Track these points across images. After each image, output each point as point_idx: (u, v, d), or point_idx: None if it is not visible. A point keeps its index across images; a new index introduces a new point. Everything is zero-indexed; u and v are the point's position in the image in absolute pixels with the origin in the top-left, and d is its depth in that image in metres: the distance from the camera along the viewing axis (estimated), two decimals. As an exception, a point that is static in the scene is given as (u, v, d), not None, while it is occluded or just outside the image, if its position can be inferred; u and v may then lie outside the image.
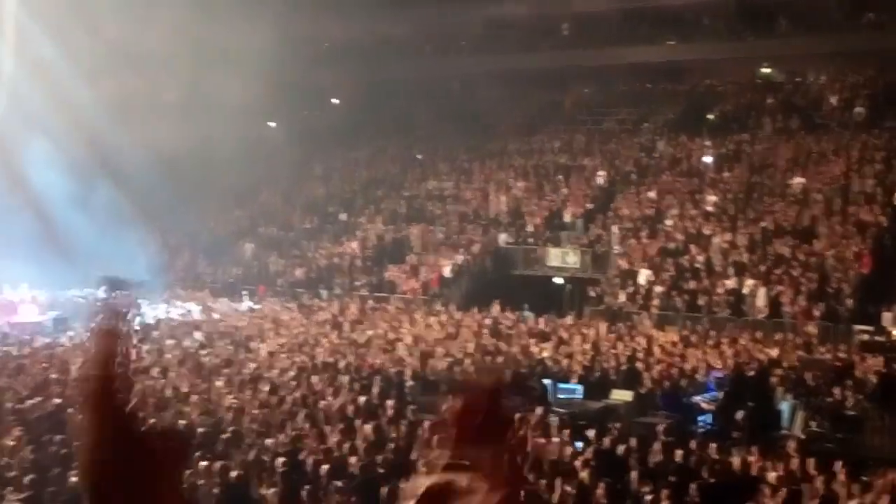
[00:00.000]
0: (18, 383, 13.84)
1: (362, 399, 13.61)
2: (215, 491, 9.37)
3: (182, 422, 11.82)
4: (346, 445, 11.23)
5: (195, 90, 31.39)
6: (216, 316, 23.39)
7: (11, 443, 10.57)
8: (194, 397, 13.37)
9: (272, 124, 36.27)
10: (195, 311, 24.36)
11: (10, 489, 9.00)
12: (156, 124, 29.19)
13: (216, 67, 31.19)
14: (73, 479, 9.41)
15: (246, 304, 25.97)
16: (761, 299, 21.59)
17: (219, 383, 14.32)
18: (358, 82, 35.98)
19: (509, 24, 35.71)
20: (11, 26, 31.60)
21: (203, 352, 17.65)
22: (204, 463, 9.89)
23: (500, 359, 17.05)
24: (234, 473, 9.73)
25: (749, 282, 22.18)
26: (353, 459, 10.69)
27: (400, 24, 35.55)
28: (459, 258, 27.39)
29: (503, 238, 28.21)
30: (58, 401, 12.51)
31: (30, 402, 12.57)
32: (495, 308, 22.43)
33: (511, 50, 34.68)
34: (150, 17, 30.35)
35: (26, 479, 9.32)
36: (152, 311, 24.80)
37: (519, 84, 34.73)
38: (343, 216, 32.21)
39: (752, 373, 16.00)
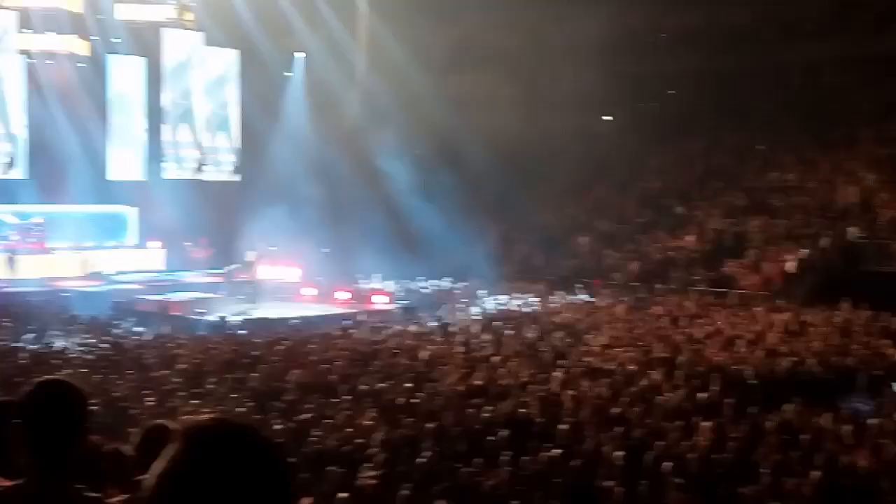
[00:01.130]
0: (374, 367, 14.79)
1: (701, 396, 13.31)
2: (556, 480, 9.53)
3: (521, 411, 12.12)
4: (685, 443, 11.03)
5: (534, 84, 32.07)
6: (551, 308, 23.79)
7: (368, 423, 11.32)
8: (532, 387, 13.66)
9: (608, 118, 36.26)
10: (532, 302, 24.92)
11: (369, 465, 9.63)
12: (496, 119, 30.09)
13: (554, 61, 31.68)
14: (420, 459, 10.00)
15: (581, 296, 26.18)
16: None
17: (556, 374, 14.52)
18: (695, 72, 35.14)
19: (857, 5, 33.42)
20: (364, 29, 33.85)
21: (540, 343, 17.97)
22: (544, 453, 10.10)
23: (849, 360, 16.06)
24: (574, 463, 9.86)
25: None
26: (691, 456, 10.48)
27: (740, 10, 34.27)
28: (804, 253, 26.09)
29: (852, 232, 26.54)
30: (408, 385, 13.25)
31: (381, 385, 13.40)
32: (844, 306, 21.15)
33: (861, 33, 32.45)
34: (491, 15, 31.33)
35: (380, 457, 9.95)
36: (492, 301, 25.63)
37: (869, 69, 32.43)
38: (679, 209, 31.64)
39: None
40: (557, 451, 10.23)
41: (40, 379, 2.89)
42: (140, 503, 1.48)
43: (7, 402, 3.17)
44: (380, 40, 32.80)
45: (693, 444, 10.95)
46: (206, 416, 1.51)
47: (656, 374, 14.82)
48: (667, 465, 9.96)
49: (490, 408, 12.07)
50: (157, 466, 1.47)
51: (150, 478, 1.47)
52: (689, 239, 29.11)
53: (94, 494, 2.82)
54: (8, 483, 2.96)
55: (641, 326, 20.03)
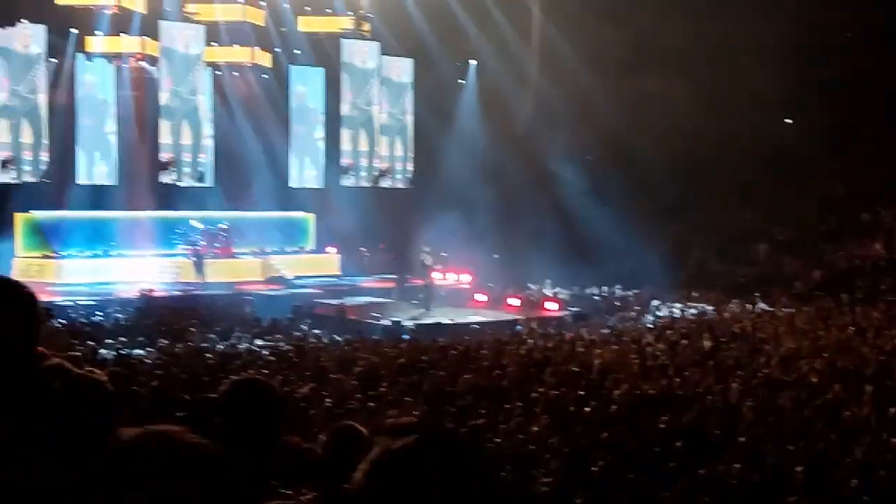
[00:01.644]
0: (546, 374, 14.75)
1: (892, 411, 12.65)
2: (735, 495, 9.27)
3: (697, 422, 11.83)
4: (873, 460, 10.52)
5: (711, 85, 31.30)
6: (728, 316, 23.15)
7: (541, 430, 11.29)
8: (709, 398, 13.33)
9: (789, 120, 35.01)
10: (707, 310, 24.33)
11: (541, 471, 9.62)
12: (671, 121, 29.56)
13: (733, 62, 30.87)
14: (596, 469, 9.90)
15: (759, 305, 25.37)
16: None
17: (734, 385, 14.12)
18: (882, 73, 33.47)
19: None
20: (537, 33, 33.88)
21: (717, 353, 17.52)
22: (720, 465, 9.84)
23: None
24: (754, 477, 9.57)
25: None
26: (881, 474, 9.98)
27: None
28: None
29: None
30: (581, 393, 13.16)
31: (553, 392, 13.35)
32: None
33: None
34: (668, 15, 30.73)
35: (554, 464, 9.91)
36: (666, 308, 25.17)
37: None
38: (865, 215, 30.23)
39: None
40: (736, 465, 9.95)
41: (238, 378, 3.00)
42: (345, 501, 1.52)
43: (205, 399, 3.32)
44: (552, 43, 32.73)
45: (881, 462, 10.44)
46: (409, 419, 1.55)
47: (840, 388, 14.20)
48: (853, 482, 9.54)
49: (665, 418, 11.85)
50: (365, 466, 1.51)
51: (358, 477, 1.51)
52: (877, 246, 27.78)
53: (287, 491, 2.91)
54: None
55: (824, 337, 19.24)
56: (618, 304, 26.79)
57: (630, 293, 27.69)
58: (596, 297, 27.72)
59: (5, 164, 28.28)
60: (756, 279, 28.23)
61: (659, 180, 31.55)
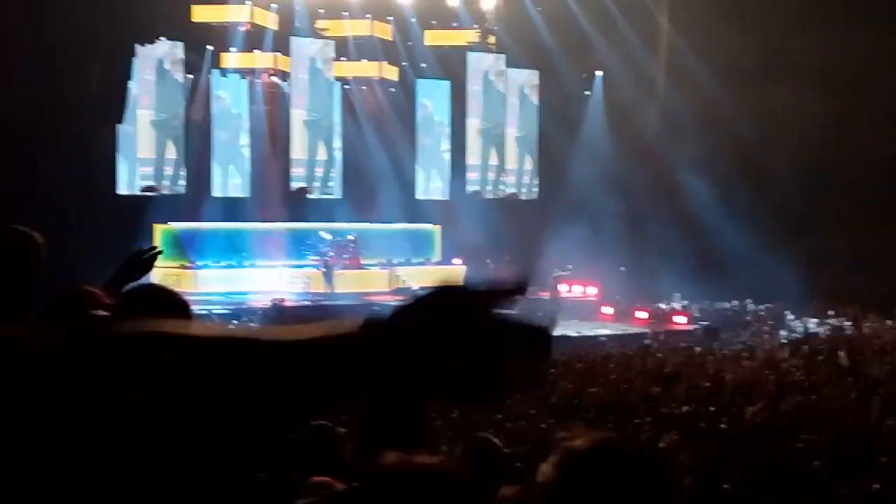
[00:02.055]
0: (676, 389, 14.48)
1: None
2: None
3: (836, 441, 11.42)
4: None
5: (846, 98, 30.32)
6: (867, 332, 22.35)
7: (663, 445, 11.07)
8: (847, 416, 12.87)
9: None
10: (844, 326, 23.53)
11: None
12: (803, 133, 28.73)
13: (870, 74, 29.84)
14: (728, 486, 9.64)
15: (901, 321, 24.41)
16: None
17: (875, 403, 13.58)
18: None
19: None
20: (664, 42, 33.41)
21: (855, 370, 16.91)
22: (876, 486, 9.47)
23: None
24: (894, 500, 9.16)
25: None
26: None
27: None
28: None
29: None
30: (711, 409, 12.86)
31: (685, 407, 13.08)
32: None
33: None
34: (801, 25, 29.91)
35: (685, 482, 9.70)
36: (800, 323, 24.48)
37: None
38: None
39: None
40: (876, 486, 9.56)
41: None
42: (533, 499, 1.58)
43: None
44: (680, 54, 32.23)
45: None
46: (587, 432, 1.61)
47: None
48: None
49: (804, 437, 11.47)
50: (555, 460, 1.56)
51: (547, 470, 1.55)
52: None
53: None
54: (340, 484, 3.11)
55: None
56: (749, 318, 26.14)
57: (762, 307, 26.98)
58: (727, 311, 27.11)
59: (148, 184, 29.38)
60: (894, 295, 27.14)
61: (790, 192, 30.70)
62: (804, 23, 29.99)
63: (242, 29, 31.22)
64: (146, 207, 28.94)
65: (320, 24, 32.75)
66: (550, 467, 1.60)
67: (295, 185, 31.42)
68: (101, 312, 2.61)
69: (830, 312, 25.99)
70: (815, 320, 24.74)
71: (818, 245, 31.30)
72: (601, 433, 1.66)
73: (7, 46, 25.18)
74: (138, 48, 28.90)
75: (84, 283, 3.23)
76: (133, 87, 29.37)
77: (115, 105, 28.94)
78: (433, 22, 34.03)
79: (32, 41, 25.02)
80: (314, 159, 31.68)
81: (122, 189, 29.26)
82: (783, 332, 23.28)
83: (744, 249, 27.51)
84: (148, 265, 3.84)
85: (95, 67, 28.00)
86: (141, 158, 29.43)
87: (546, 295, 27.20)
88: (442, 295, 0.94)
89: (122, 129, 29.32)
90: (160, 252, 3.96)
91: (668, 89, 33.51)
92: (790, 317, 25.34)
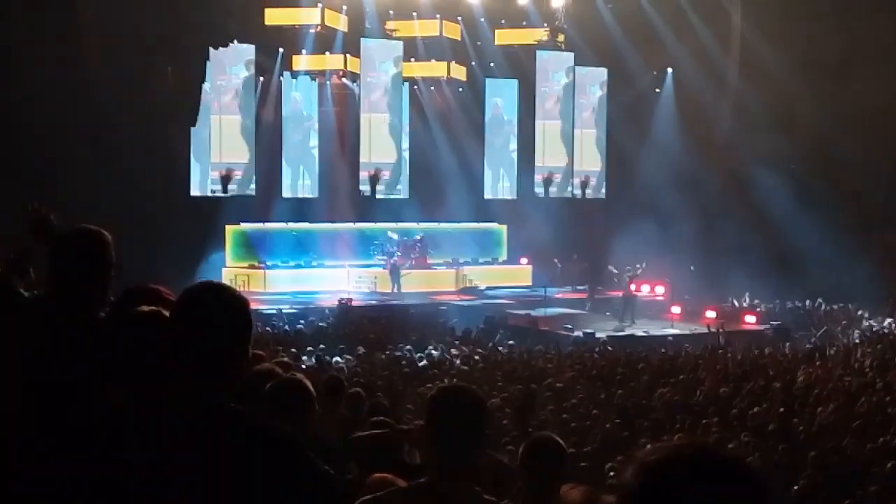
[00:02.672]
0: (746, 389, 14.30)
1: None
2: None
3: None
4: None
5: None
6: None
7: (734, 446, 10.95)
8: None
9: None
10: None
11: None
12: (882, 128, 28.11)
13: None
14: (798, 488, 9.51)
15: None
16: None
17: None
18: None
19: None
20: (736, 37, 32.91)
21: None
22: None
23: None
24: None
25: None
26: None
27: None
28: None
29: None
30: (782, 410, 12.69)
31: (755, 409, 12.91)
32: None
33: None
34: (882, 17, 29.18)
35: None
36: (875, 323, 24.02)
37: None
38: None
39: None
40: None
41: (444, 385, 3.08)
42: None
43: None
44: (752, 47, 31.68)
45: None
46: (680, 441, 1.56)
47: None
48: None
49: (879, 439, 11.26)
50: (637, 464, 1.53)
51: (629, 475, 1.53)
52: None
53: (492, 498, 2.96)
54: (405, 483, 3.18)
55: None
56: (821, 317, 25.67)
57: (835, 307, 26.47)
58: (798, 310, 26.65)
59: (225, 180, 29.74)
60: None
61: (865, 189, 30.03)
62: (884, 10, 29.29)
63: (313, 31, 31.52)
64: (217, 208, 29.39)
65: (390, 24, 32.93)
66: (632, 473, 1.52)
67: (362, 185, 31.52)
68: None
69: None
70: (890, 319, 24.19)
71: (894, 242, 30.60)
72: (688, 440, 1.58)
73: (84, 51, 25.79)
74: (211, 51, 29.34)
75: (150, 282, 3.36)
76: (206, 89, 29.83)
77: (188, 108, 29.43)
78: (502, 21, 33.99)
79: (111, 46, 25.57)
80: (382, 159, 31.74)
81: (195, 191, 29.72)
82: (856, 332, 22.81)
83: (817, 247, 26.97)
84: (36, 224, 3.84)
85: (173, 70, 28.54)
86: (213, 162, 29.84)
87: (618, 293, 27.05)
88: None
89: (195, 132, 29.79)
90: (39, 209, 3.87)
91: (741, 84, 32.99)
92: (864, 316, 24.82)
